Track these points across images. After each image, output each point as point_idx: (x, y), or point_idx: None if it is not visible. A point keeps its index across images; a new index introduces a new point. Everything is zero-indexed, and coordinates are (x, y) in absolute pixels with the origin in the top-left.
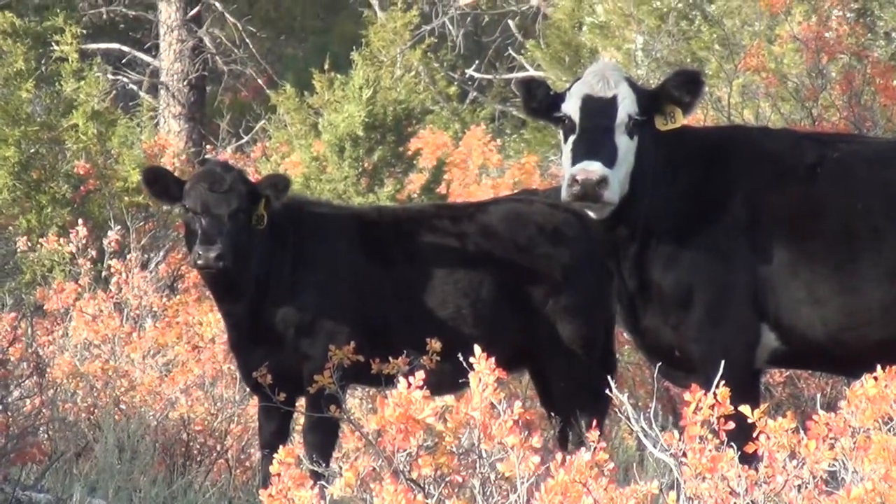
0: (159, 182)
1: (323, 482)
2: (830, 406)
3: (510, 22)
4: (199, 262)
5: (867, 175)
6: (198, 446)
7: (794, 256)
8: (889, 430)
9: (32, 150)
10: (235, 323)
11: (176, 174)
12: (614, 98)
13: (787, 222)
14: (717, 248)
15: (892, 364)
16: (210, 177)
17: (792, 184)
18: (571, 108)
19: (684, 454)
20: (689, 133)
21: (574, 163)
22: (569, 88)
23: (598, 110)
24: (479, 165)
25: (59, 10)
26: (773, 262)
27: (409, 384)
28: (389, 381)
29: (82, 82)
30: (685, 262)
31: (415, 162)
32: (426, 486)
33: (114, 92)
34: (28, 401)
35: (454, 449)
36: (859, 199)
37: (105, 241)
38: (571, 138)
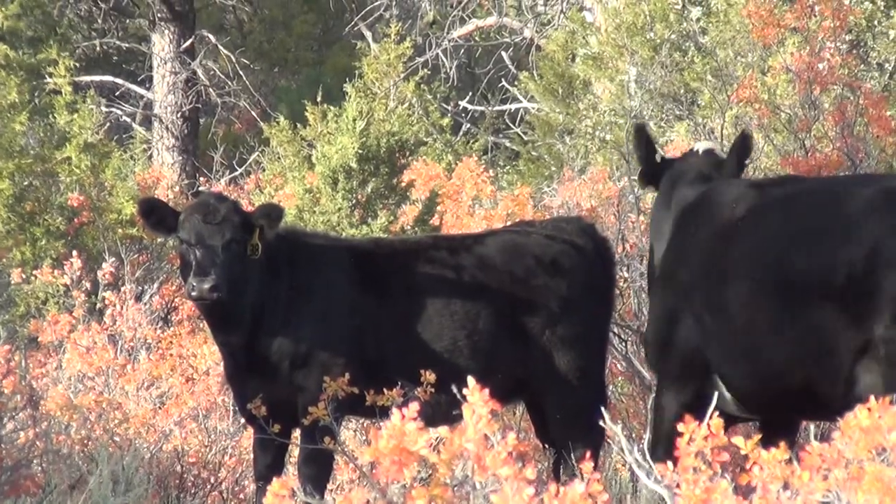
0: (155, 213)
1: None
2: (824, 437)
3: (503, 53)
4: (194, 293)
5: None
6: (192, 478)
7: None
8: (883, 460)
9: (26, 183)
10: (232, 353)
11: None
12: None
13: None
14: None
15: None
16: (204, 208)
17: None
18: None
19: (678, 485)
20: None
21: None
22: None
23: None
24: (472, 197)
25: (52, 43)
26: None
27: (403, 416)
28: (384, 412)
29: (76, 115)
30: None
31: (408, 194)
32: None
33: (107, 124)
34: (22, 433)
35: (448, 481)
36: None
37: (99, 273)
38: None
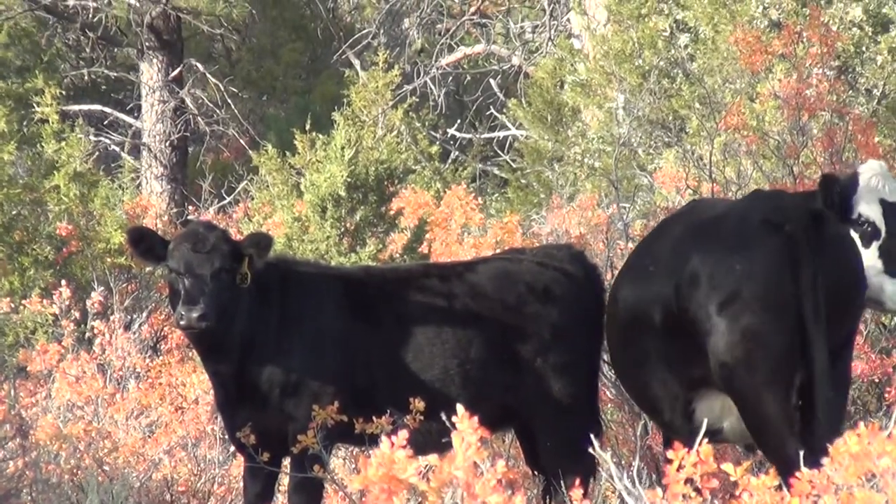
0: (144, 242)
1: None
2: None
3: (492, 81)
4: (182, 322)
5: None
6: None
7: None
8: (872, 486)
9: (14, 212)
10: (222, 382)
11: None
12: None
13: None
14: None
15: None
16: (193, 237)
17: None
18: (874, 213)
19: None
20: None
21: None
22: (852, 185)
23: None
24: (461, 225)
25: (40, 72)
26: None
27: (393, 444)
28: (373, 440)
29: (63, 143)
30: None
31: (397, 222)
32: None
33: (96, 153)
34: (11, 462)
35: None
36: None
37: (88, 303)
38: (876, 244)
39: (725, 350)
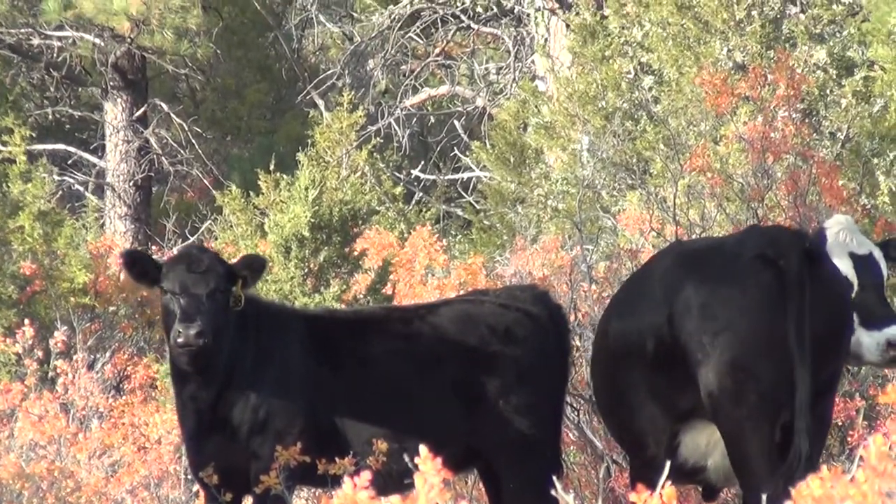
0: (138, 265)
1: None
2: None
3: (456, 122)
4: (180, 339)
5: None
6: None
7: None
8: None
9: None
10: (198, 409)
11: (123, 274)
12: (871, 255)
13: None
14: None
15: None
16: (187, 258)
17: None
18: (844, 267)
19: None
20: None
21: (871, 326)
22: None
23: (868, 269)
24: (425, 266)
25: (8, 111)
26: None
27: (355, 485)
28: (335, 481)
29: (28, 184)
30: None
31: (361, 262)
32: None
33: (60, 192)
34: None
35: None
36: None
37: (51, 342)
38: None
39: (713, 381)
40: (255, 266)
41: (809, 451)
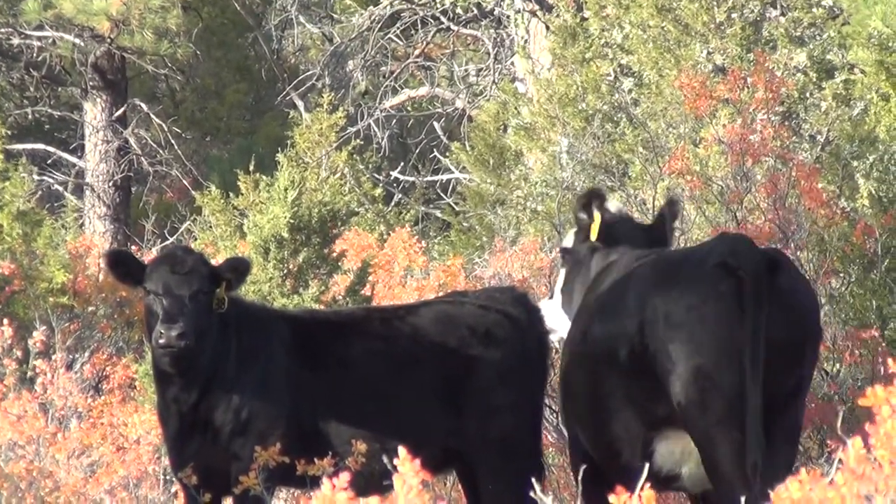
0: (122, 265)
1: None
2: None
3: (435, 124)
4: (162, 340)
5: None
6: None
7: None
8: None
9: None
10: (180, 411)
11: (102, 274)
12: None
13: None
14: None
15: None
16: (171, 259)
17: None
18: None
19: None
20: None
21: None
22: None
23: None
24: (404, 267)
25: None
26: None
27: (334, 486)
28: (315, 482)
29: (7, 183)
30: None
31: (340, 264)
32: None
33: (39, 192)
34: None
35: None
36: None
37: (30, 342)
38: None
39: (680, 390)
40: (239, 269)
41: (777, 461)
